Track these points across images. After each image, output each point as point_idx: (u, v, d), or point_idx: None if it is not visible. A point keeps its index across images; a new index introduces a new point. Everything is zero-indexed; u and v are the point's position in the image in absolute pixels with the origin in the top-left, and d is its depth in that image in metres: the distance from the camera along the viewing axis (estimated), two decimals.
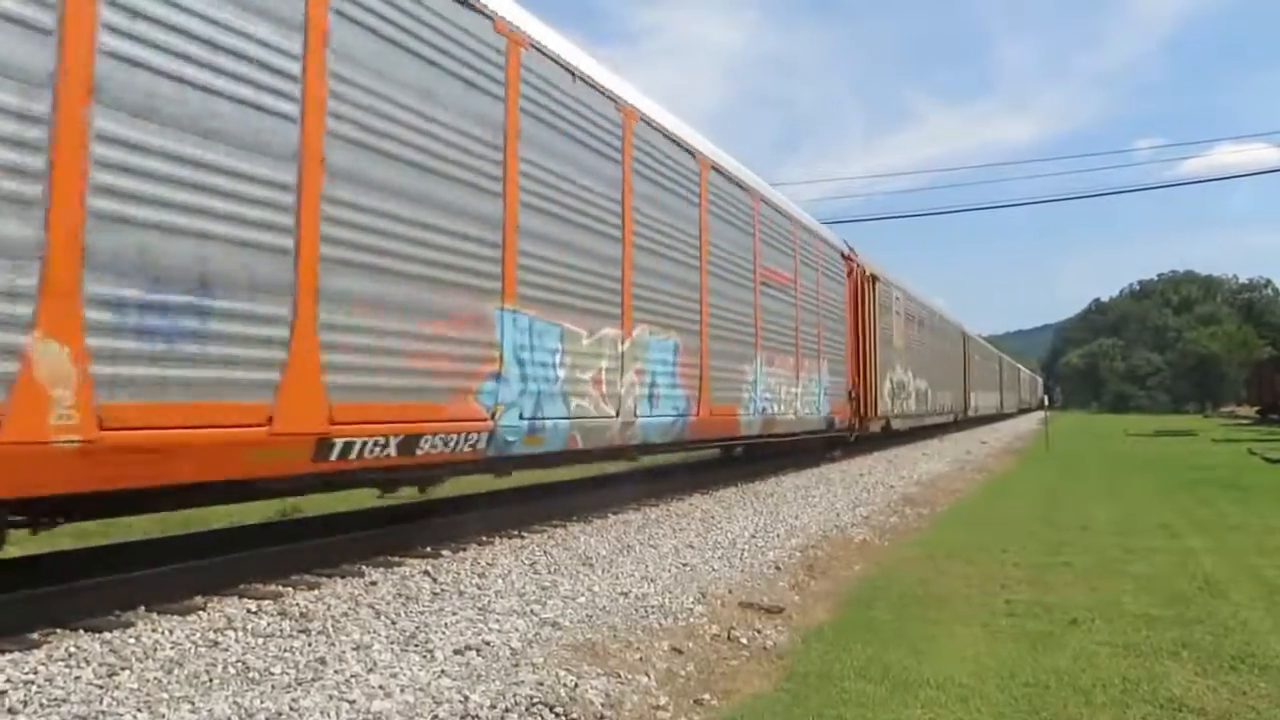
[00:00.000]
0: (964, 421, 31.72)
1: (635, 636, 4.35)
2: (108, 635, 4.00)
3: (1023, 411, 61.43)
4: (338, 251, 4.95)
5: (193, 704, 3.16)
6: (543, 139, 6.85)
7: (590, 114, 7.54)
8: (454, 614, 4.54)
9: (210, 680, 3.46)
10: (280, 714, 3.09)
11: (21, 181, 3.57)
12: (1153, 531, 8.59)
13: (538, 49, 6.82)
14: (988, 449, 22.06)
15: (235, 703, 3.17)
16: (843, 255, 16.03)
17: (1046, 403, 38.90)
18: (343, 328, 4.97)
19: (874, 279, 17.77)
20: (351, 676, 3.51)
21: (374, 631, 4.19)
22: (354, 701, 3.23)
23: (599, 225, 7.63)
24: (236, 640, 4.00)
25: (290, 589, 5.02)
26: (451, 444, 5.82)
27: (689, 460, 13.93)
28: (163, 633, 4.06)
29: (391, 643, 4.01)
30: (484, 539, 6.85)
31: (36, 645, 3.82)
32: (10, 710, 3.08)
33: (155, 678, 3.46)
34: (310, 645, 3.94)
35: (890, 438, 20.36)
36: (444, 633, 4.18)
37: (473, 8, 6.11)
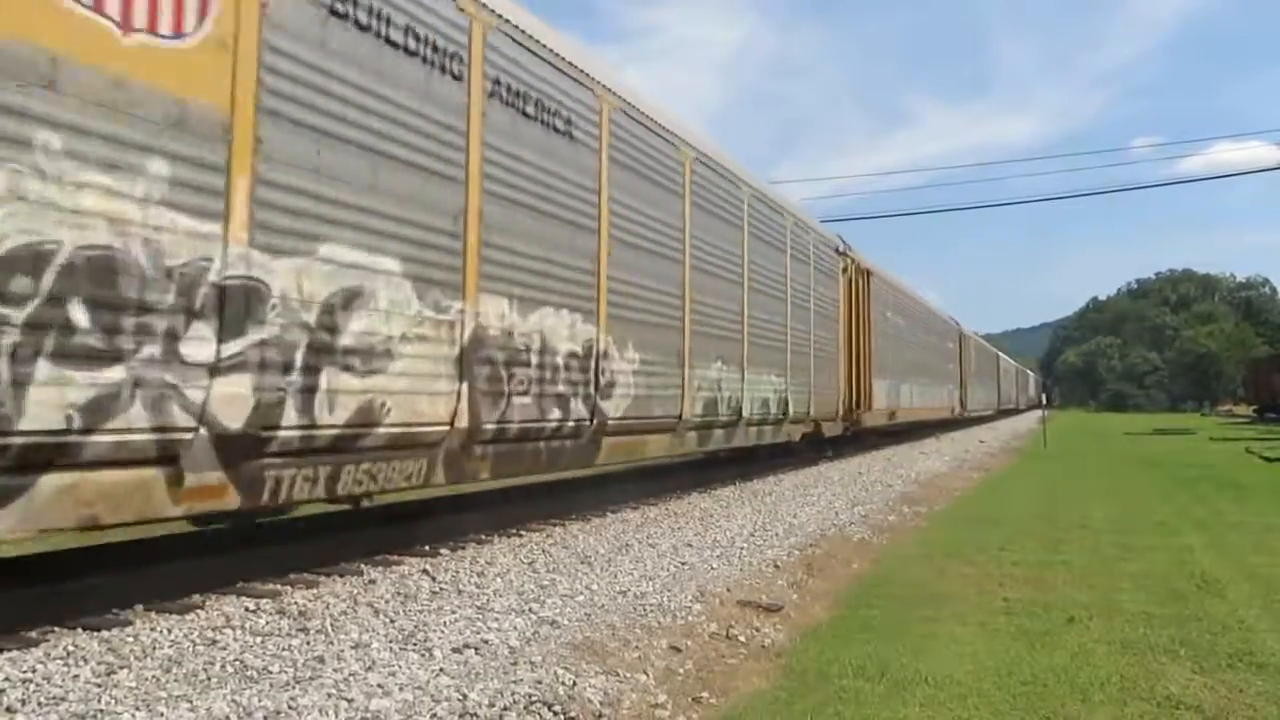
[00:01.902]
0: (857, 436, 16.63)
1: (634, 635, 4.35)
2: (106, 634, 4.00)
3: (1005, 413, 49.54)
4: None
5: (191, 702, 3.16)
6: None
7: None
8: (453, 612, 4.54)
9: (208, 679, 3.46)
10: (279, 712, 3.09)
11: None
12: (1150, 530, 8.60)
13: None
14: (986, 448, 22.08)
15: (234, 701, 3.16)
16: None
17: (1044, 401, 38.97)
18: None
19: None
20: (350, 675, 3.51)
21: (373, 630, 4.19)
22: (352, 700, 3.23)
23: None
24: (235, 639, 3.99)
25: (289, 587, 5.02)
26: None
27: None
28: (161, 631, 4.06)
29: (390, 641, 4.01)
30: (483, 537, 6.86)
31: (35, 643, 3.82)
32: (8, 709, 3.08)
33: (153, 676, 3.46)
34: (309, 644, 3.94)
35: None
36: (443, 631, 4.18)
37: None
